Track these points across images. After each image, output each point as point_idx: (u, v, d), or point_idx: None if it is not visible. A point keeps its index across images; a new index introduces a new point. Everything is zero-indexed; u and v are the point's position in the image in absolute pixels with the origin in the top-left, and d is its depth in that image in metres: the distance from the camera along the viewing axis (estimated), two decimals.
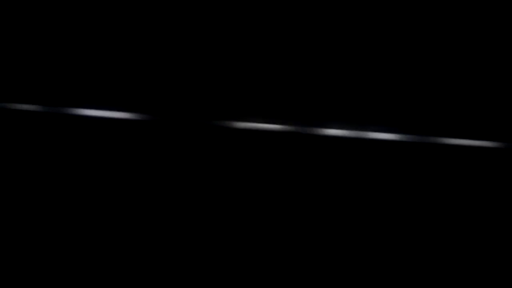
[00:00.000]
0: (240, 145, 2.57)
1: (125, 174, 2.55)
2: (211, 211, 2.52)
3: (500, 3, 2.51)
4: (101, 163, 2.57)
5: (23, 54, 2.67)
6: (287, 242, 2.48)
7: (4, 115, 2.66)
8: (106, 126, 2.62)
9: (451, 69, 2.59)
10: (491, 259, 2.43)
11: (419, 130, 2.58)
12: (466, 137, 2.58)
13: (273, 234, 2.49)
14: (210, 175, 2.55)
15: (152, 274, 2.44)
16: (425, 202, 2.50)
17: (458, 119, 2.59)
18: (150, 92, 2.64)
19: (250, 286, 2.40)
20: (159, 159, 2.56)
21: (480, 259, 2.44)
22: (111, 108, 2.64)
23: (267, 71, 2.62)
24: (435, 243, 2.46)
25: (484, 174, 2.53)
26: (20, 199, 2.56)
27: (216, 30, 2.62)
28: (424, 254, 2.45)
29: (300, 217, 2.50)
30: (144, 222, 2.52)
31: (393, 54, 2.59)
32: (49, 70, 2.66)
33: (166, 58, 2.64)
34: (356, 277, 2.42)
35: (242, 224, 2.51)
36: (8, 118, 2.66)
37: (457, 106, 2.59)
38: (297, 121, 2.58)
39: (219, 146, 2.57)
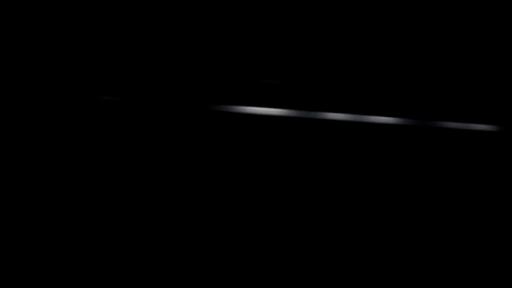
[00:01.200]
0: (243, 130, 2.59)
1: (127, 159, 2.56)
2: (213, 197, 2.54)
3: None
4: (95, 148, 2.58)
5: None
6: (290, 227, 2.50)
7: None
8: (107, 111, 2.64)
9: (449, 55, 2.60)
10: (489, 247, 2.46)
11: (418, 114, 2.60)
12: (464, 120, 2.60)
13: (276, 218, 2.51)
14: (212, 160, 2.57)
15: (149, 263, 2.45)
16: (425, 185, 2.52)
17: (457, 103, 2.61)
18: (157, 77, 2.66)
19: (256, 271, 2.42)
20: (162, 146, 2.58)
21: (479, 245, 2.46)
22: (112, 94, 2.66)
23: (269, 56, 2.64)
24: (434, 226, 2.48)
25: (481, 157, 2.55)
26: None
27: (218, 14, 2.64)
28: (424, 237, 2.47)
29: (301, 200, 2.52)
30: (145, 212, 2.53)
31: (393, 41, 2.61)
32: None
33: (168, 43, 2.65)
34: (358, 265, 2.44)
35: (246, 209, 2.52)
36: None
37: (455, 91, 2.61)
38: (298, 105, 2.60)
39: (222, 131, 2.59)
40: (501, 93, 2.60)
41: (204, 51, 2.64)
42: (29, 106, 2.65)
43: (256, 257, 2.43)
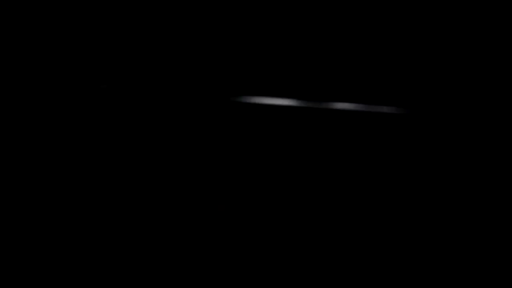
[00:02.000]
0: (247, 121, 2.56)
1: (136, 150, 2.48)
2: (223, 185, 2.51)
3: None
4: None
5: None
6: (297, 217, 2.50)
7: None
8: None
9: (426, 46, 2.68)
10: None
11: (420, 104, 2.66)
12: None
13: (283, 210, 2.51)
14: (219, 150, 2.53)
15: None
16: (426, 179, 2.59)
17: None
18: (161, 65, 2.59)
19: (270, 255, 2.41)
20: (173, 138, 2.52)
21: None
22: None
23: (275, 47, 2.62)
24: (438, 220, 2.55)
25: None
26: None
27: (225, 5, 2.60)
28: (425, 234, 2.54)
29: (309, 190, 2.53)
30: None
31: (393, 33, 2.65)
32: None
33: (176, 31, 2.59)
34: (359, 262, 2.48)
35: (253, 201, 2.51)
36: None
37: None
38: (304, 95, 2.61)
39: (226, 121, 2.55)
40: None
41: (212, 43, 2.59)
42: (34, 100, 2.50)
43: (272, 252, 2.42)
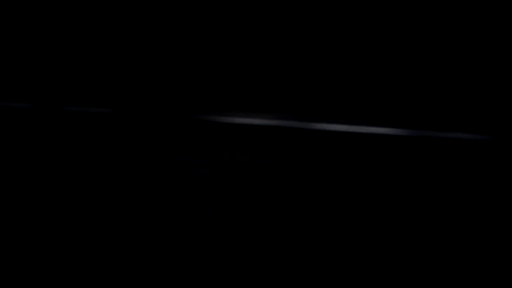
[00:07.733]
0: (237, 141, 2.57)
1: (118, 168, 2.52)
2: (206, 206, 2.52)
3: None
4: (89, 158, 2.53)
5: (17, 53, 2.62)
6: (286, 240, 2.49)
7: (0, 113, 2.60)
8: (95, 122, 2.59)
9: (444, 66, 2.64)
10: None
11: (415, 125, 2.63)
12: (458, 130, 2.64)
13: (272, 232, 2.50)
14: (207, 172, 2.54)
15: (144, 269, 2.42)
16: (424, 195, 2.55)
17: (452, 113, 2.65)
18: (140, 88, 2.62)
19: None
20: (150, 155, 2.54)
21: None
22: (100, 105, 2.61)
23: (264, 66, 2.63)
24: (434, 239, 2.51)
25: (476, 167, 2.59)
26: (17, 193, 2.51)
27: (211, 21, 2.62)
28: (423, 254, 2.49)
29: (299, 213, 2.52)
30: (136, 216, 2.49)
31: (389, 50, 2.63)
32: (42, 69, 2.61)
33: (157, 52, 2.62)
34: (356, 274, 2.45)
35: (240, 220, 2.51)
36: (4, 115, 2.60)
37: (450, 101, 2.65)
38: (295, 115, 2.60)
39: (216, 142, 2.56)
40: (492, 102, 2.65)
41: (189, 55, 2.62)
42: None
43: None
